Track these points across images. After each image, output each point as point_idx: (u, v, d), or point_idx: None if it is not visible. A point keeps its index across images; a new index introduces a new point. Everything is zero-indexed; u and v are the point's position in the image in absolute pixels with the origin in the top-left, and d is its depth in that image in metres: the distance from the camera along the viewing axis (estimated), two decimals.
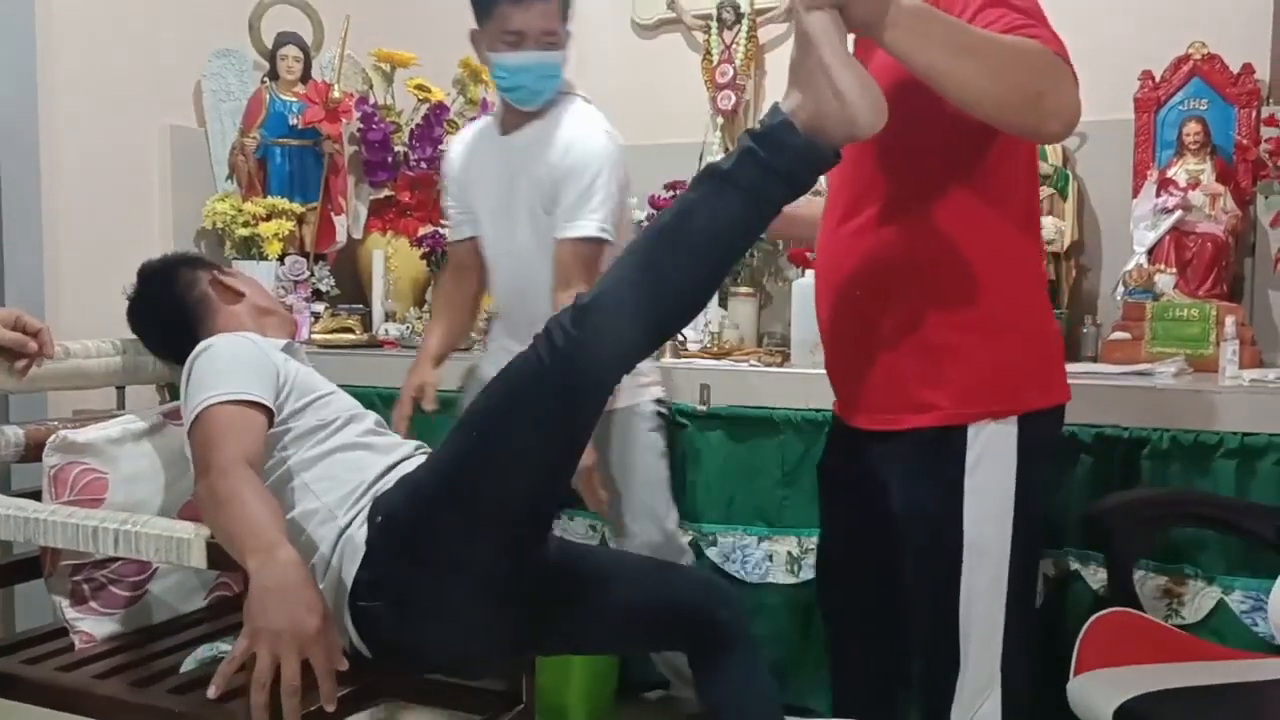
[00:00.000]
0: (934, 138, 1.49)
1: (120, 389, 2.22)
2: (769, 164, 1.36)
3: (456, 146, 2.36)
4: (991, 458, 1.55)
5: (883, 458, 1.63)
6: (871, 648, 1.83)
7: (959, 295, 1.54)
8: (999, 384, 1.55)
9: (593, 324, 1.43)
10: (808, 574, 2.38)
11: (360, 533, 1.56)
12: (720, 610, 1.71)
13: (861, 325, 1.61)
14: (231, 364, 1.63)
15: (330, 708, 1.37)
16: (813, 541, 2.36)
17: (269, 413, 1.61)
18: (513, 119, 2.19)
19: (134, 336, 2.01)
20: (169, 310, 1.89)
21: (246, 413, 1.56)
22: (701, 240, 1.41)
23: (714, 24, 3.07)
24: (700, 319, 2.69)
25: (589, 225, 2.08)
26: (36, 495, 1.77)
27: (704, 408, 2.42)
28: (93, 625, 1.78)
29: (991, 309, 1.54)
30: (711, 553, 2.45)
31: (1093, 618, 1.77)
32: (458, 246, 2.37)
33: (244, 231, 2.95)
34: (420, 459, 1.73)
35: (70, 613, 1.77)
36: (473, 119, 2.45)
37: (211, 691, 1.37)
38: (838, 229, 1.61)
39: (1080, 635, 1.74)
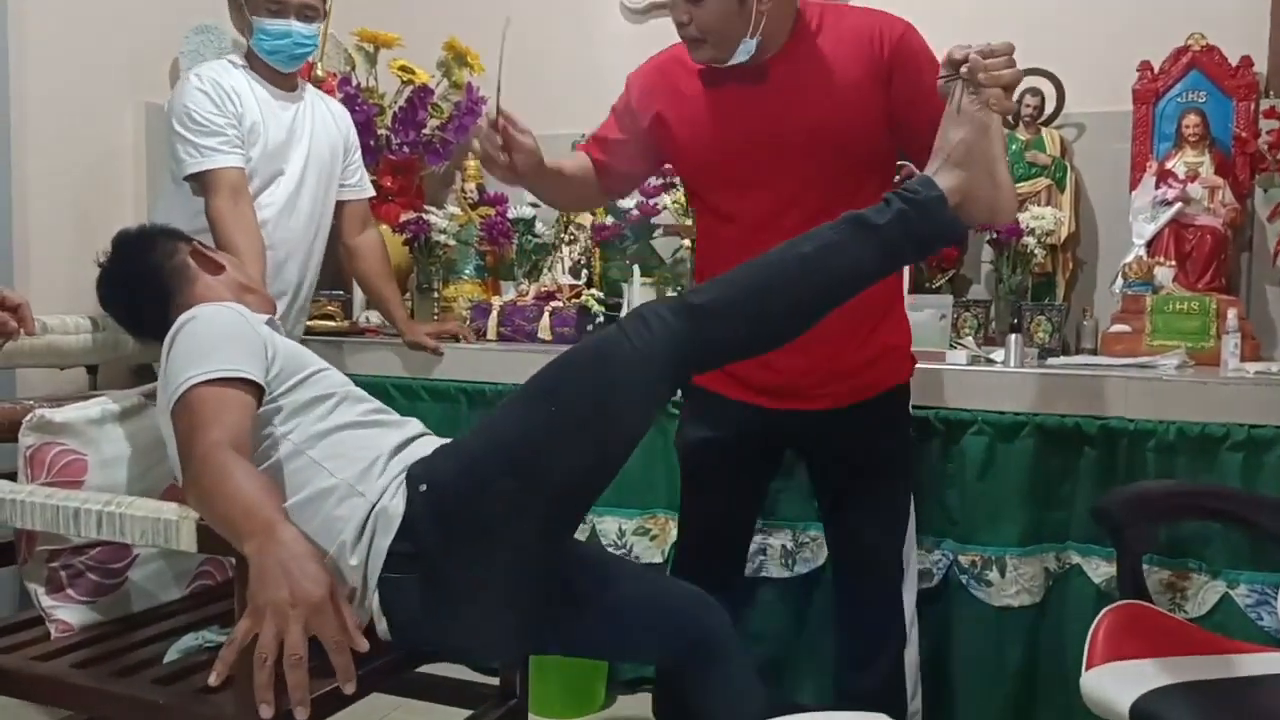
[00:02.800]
0: (861, 170, 1.80)
1: (92, 371, 2.13)
2: (916, 229, 1.50)
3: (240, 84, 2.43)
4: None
5: (852, 421, 1.89)
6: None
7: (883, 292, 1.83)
8: (908, 352, 1.98)
9: (699, 323, 1.49)
10: (802, 568, 2.34)
11: (395, 504, 1.49)
12: (711, 619, 1.68)
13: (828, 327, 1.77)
14: (217, 338, 1.55)
15: (349, 688, 1.29)
16: (808, 535, 2.33)
17: (259, 390, 1.53)
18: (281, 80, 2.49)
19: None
20: (143, 278, 1.79)
21: (233, 392, 1.48)
22: (830, 278, 1.53)
23: None
24: None
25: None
26: (11, 477, 1.68)
27: None
28: (70, 614, 1.69)
29: (897, 297, 1.98)
30: None
31: (1105, 610, 1.73)
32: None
33: None
34: (432, 437, 1.68)
35: (46, 600, 1.68)
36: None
37: (213, 679, 1.28)
38: (822, 206, 1.72)
39: (1093, 628, 1.70)
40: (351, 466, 1.54)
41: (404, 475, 1.53)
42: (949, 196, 1.50)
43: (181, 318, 1.59)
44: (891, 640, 1.98)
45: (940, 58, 1.59)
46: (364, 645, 1.30)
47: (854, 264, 1.52)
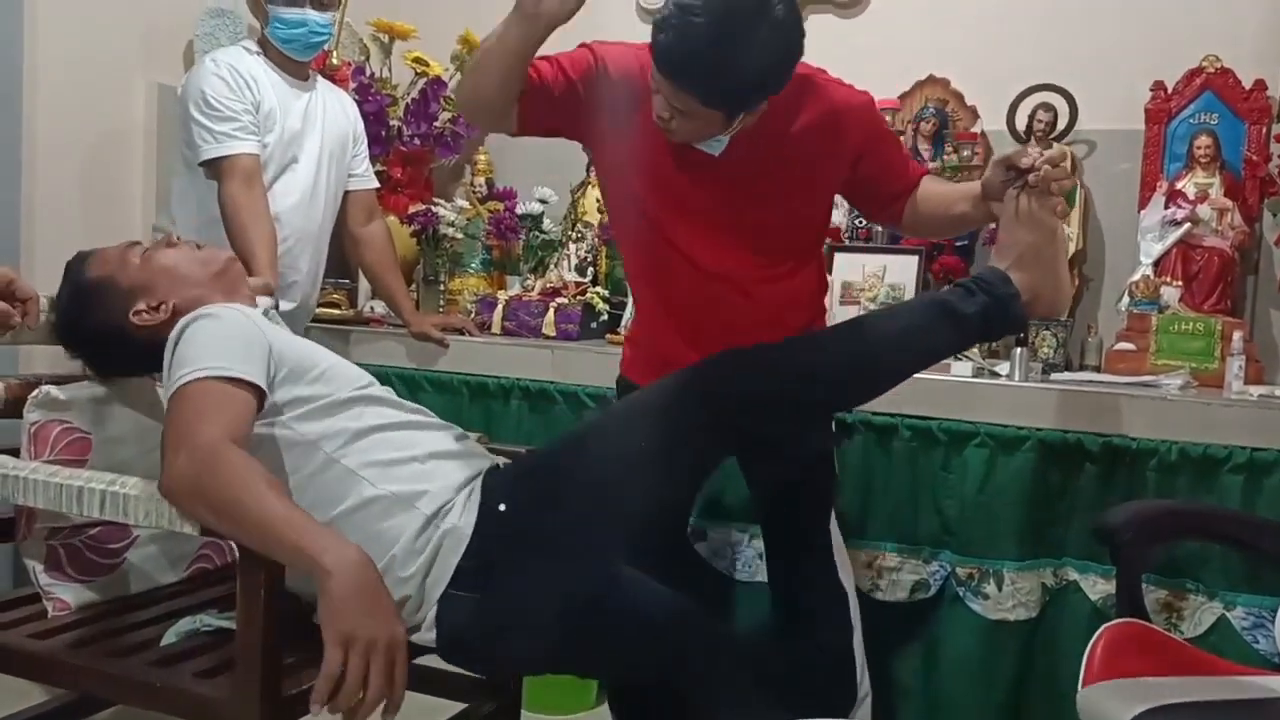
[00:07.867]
0: (820, 225, 1.92)
1: None
2: (990, 321, 1.66)
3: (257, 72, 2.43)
4: None
5: None
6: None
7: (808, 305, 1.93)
8: None
9: (780, 382, 1.61)
10: None
11: (465, 521, 1.48)
12: (708, 629, 1.69)
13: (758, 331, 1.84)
14: (218, 339, 1.48)
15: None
16: None
17: (260, 394, 1.46)
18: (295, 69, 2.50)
19: None
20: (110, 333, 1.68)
21: (233, 391, 1.42)
22: (911, 357, 1.68)
23: None
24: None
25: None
26: (13, 453, 1.68)
27: None
28: (67, 592, 1.68)
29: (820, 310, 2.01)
30: (701, 548, 2.40)
31: (1103, 627, 1.73)
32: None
33: None
34: (470, 440, 1.69)
35: (44, 578, 1.67)
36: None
37: (315, 709, 1.27)
38: (759, 275, 1.82)
39: (1091, 644, 1.69)
40: (396, 476, 1.51)
41: (474, 489, 1.52)
42: (1022, 294, 1.64)
43: (185, 319, 1.53)
44: (835, 625, 1.99)
45: (995, 159, 1.71)
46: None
47: (934, 346, 1.68)
